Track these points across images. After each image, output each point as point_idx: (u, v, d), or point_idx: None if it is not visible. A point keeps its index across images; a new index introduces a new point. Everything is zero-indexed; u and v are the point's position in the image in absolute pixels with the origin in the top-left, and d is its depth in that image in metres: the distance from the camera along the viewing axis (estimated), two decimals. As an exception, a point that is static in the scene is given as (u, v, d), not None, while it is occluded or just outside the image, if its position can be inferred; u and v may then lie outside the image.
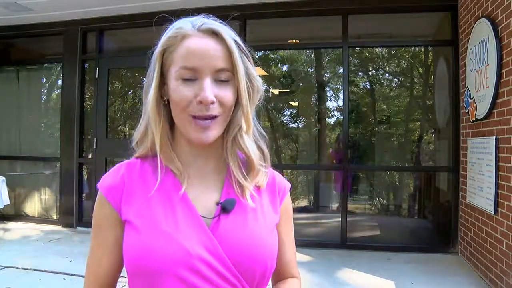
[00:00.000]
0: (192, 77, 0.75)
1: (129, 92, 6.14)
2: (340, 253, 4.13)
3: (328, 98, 5.82)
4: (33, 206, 5.59)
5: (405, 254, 4.03)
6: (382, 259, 3.91)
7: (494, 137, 3.10)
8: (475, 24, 3.51)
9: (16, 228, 5.05)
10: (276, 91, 5.67)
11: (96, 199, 0.82)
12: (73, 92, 5.15)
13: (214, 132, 0.77)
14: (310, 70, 5.96)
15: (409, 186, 5.44)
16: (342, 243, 4.35)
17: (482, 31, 3.32)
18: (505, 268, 2.86)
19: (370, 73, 5.70)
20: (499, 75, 3.02)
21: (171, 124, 0.81)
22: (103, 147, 5.08)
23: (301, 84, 6.04)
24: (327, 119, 5.75)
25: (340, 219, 4.40)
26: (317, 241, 4.49)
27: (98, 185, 0.81)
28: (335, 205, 5.21)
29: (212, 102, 0.74)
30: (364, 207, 5.32)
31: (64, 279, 3.30)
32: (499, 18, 3.03)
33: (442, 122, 4.61)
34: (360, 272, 3.53)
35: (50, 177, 5.59)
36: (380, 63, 5.62)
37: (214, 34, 0.76)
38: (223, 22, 0.80)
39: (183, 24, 0.78)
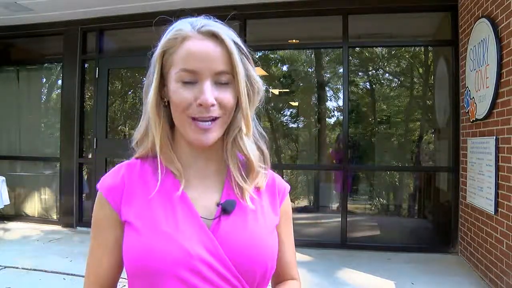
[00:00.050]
0: (192, 79, 0.75)
1: (129, 92, 6.14)
2: (340, 253, 4.13)
3: (328, 98, 5.82)
4: (33, 206, 5.59)
5: (405, 254, 4.03)
6: (382, 259, 3.91)
7: (494, 137, 3.10)
8: (475, 24, 3.51)
9: (16, 228, 5.05)
10: (276, 91, 5.67)
11: (96, 199, 0.81)
12: (73, 92, 5.15)
13: (214, 134, 0.77)
14: (310, 70, 5.96)
15: (409, 186, 5.44)
16: (342, 243, 4.35)
17: (482, 31, 3.32)
18: (505, 268, 2.86)
19: (370, 73, 5.70)
20: (499, 75, 3.02)
21: (171, 125, 0.81)
22: (103, 147, 5.08)
23: (301, 84, 6.04)
24: (327, 119, 5.76)
25: (340, 219, 4.40)
26: (317, 241, 4.49)
27: (98, 185, 0.81)
28: (335, 205, 5.21)
29: (212, 105, 0.74)
30: (364, 207, 5.32)
31: (64, 279, 3.30)
32: (499, 18, 3.03)
33: (442, 122, 4.61)
34: (360, 272, 3.53)
35: (50, 177, 5.59)
36: (380, 63, 5.63)
37: (214, 36, 0.75)
38: (223, 23, 0.79)
39: (183, 25, 0.77)
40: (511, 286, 2.74)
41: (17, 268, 3.50)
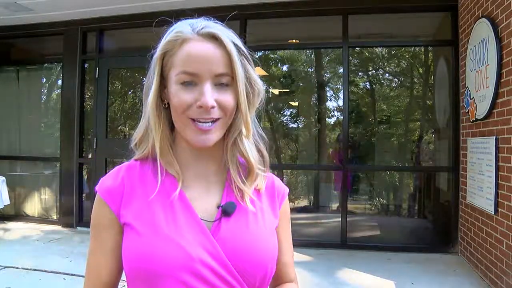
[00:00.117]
0: (192, 81, 0.74)
1: (129, 92, 6.13)
2: (340, 253, 4.13)
3: (328, 98, 5.82)
4: (33, 206, 5.59)
5: (405, 254, 4.03)
6: (382, 259, 3.91)
7: (494, 137, 3.10)
8: (475, 24, 3.50)
9: (16, 228, 5.05)
10: (276, 91, 5.67)
11: (95, 201, 0.81)
12: (73, 92, 5.15)
13: (214, 135, 0.76)
14: (310, 70, 5.96)
15: (409, 186, 5.44)
16: (342, 243, 4.35)
17: (482, 31, 3.32)
18: (505, 268, 2.86)
19: (370, 73, 5.70)
20: (499, 75, 3.02)
21: (172, 127, 0.81)
22: (103, 147, 5.08)
23: (301, 84, 6.04)
24: (327, 119, 5.76)
25: (340, 219, 4.40)
26: (317, 241, 4.50)
27: (97, 187, 0.81)
28: (335, 205, 5.21)
29: (212, 107, 0.74)
30: (364, 207, 5.32)
31: (64, 279, 3.30)
32: (499, 18, 3.03)
33: (442, 122, 4.61)
34: (360, 272, 3.53)
35: (50, 177, 5.59)
36: (380, 63, 5.62)
37: (214, 38, 0.75)
38: (223, 24, 0.79)
39: (183, 27, 0.77)
40: (511, 286, 2.74)
41: (17, 268, 3.50)
